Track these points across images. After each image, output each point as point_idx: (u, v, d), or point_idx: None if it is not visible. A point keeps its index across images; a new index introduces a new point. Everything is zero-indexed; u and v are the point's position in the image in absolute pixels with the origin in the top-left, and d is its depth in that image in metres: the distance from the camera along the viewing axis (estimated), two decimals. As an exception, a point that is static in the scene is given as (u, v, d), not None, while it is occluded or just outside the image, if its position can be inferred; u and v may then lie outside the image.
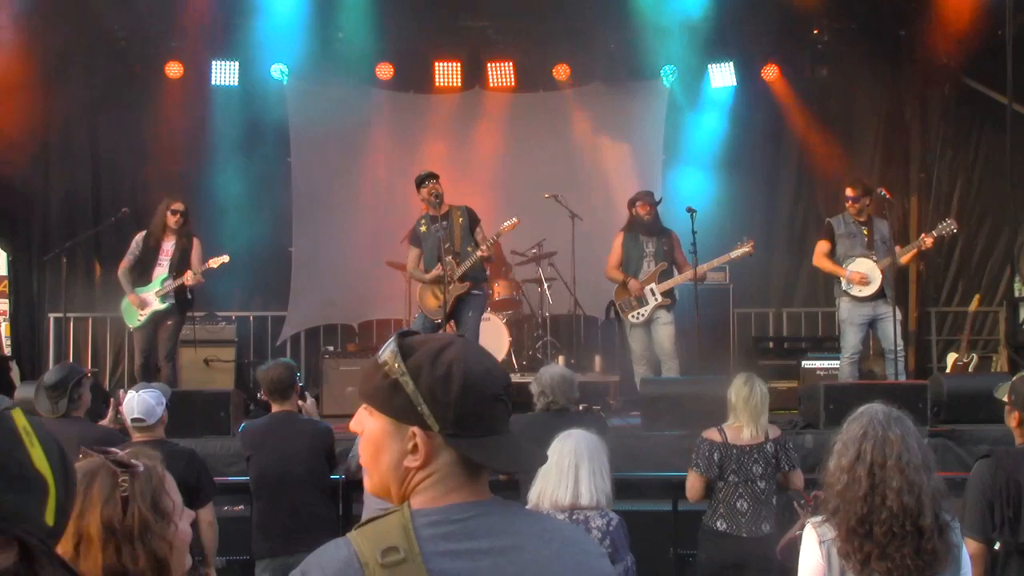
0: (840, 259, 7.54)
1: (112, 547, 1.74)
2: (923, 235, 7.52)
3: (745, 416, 4.73)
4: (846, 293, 7.50)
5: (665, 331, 7.84)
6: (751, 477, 4.68)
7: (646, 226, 7.96)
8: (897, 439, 2.53)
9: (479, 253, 7.32)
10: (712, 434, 4.79)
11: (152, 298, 7.57)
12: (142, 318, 7.58)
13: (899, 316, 7.62)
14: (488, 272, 8.14)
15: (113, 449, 1.87)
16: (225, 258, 7.55)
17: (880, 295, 7.40)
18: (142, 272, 7.63)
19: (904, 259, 7.65)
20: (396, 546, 1.45)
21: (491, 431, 1.54)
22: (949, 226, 7.44)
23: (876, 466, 2.50)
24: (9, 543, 1.22)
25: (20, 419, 1.30)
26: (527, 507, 3.52)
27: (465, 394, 1.51)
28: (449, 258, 7.32)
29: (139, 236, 7.73)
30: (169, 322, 7.67)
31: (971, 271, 10.51)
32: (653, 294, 7.84)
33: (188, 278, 7.46)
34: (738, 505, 4.68)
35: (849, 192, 7.56)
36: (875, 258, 7.40)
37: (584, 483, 3.58)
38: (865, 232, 7.49)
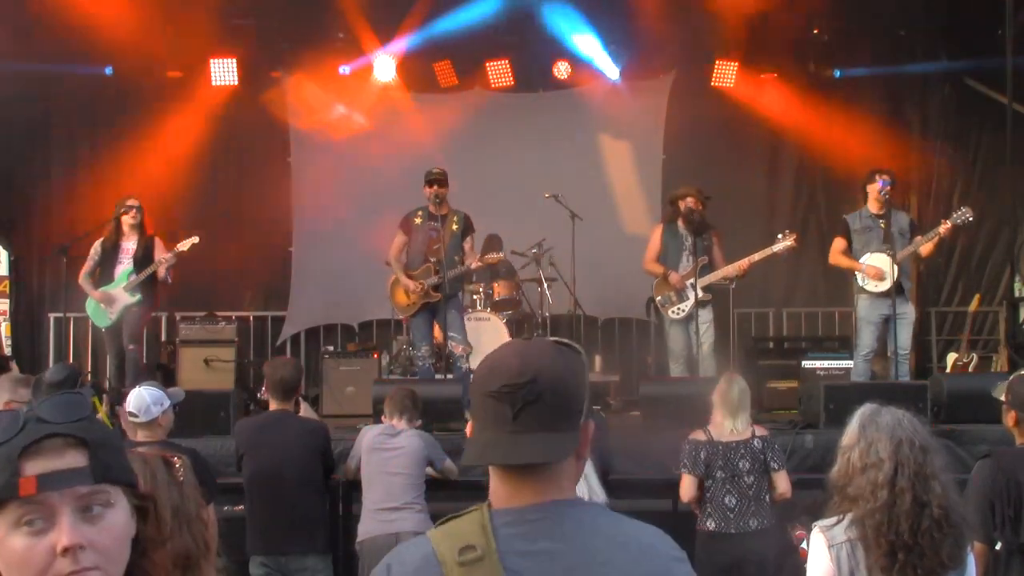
0: (856, 255, 7.38)
1: (179, 530, 1.83)
2: (942, 222, 7.24)
3: (724, 410, 4.85)
4: (863, 290, 7.33)
5: (705, 331, 7.58)
6: (738, 472, 4.74)
7: (689, 220, 7.65)
8: (928, 446, 2.57)
9: (472, 265, 7.28)
10: (697, 434, 4.91)
11: (120, 293, 7.36)
12: (113, 316, 7.39)
13: (913, 316, 7.55)
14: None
15: None
16: (195, 239, 7.29)
17: (899, 290, 7.18)
18: (104, 275, 7.44)
19: (925, 249, 7.35)
20: (474, 544, 1.47)
21: (485, 427, 1.53)
22: (964, 215, 7.22)
23: (918, 478, 2.52)
24: None
25: None
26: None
27: (468, 390, 1.58)
28: (429, 263, 7.31)
29: (96, 243, 7.53)
30: (135, 310, 7.39)
31: (971, 271, 10.51)
32: (694, 289, 7.56)
33: (160, 270, 7.27)
34: (726, 501, 4.74)
35: (881, 178, 7.34)
36: (891, 252, 7.17)
37: (594, 481, 3.65)
38: (882, 225, 7.30)
